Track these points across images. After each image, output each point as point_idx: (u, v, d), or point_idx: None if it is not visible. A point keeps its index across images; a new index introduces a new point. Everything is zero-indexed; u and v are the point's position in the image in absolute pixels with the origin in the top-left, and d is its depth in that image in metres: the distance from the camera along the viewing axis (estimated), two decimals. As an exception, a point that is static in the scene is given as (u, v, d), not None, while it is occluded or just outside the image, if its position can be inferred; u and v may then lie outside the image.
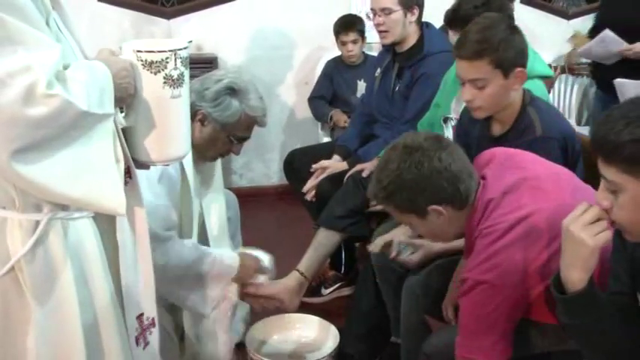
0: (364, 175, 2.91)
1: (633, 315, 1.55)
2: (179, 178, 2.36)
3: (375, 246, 2.48)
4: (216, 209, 2.61)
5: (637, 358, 1.60)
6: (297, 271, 2.77)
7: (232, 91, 2.37)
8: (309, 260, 2.81)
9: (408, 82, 3.16)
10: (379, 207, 2.80)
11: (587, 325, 1.56)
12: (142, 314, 1.81)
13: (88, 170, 1.47)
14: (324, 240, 2.86)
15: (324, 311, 3.09)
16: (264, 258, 2.57)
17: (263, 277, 2.53)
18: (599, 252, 1.50)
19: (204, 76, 2.40)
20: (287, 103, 4.69)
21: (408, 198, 1.82)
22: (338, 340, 2.73)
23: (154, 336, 1.87)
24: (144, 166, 1.73)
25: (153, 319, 1.85)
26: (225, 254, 2.46)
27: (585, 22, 5.15)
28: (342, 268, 3.35)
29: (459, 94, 2.72)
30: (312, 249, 2.84)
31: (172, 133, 1.69)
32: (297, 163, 3.42)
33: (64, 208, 1.52)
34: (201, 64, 4.27)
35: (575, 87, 4.76)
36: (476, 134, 2.37)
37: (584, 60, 4.57)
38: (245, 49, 4.54)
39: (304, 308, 3.15)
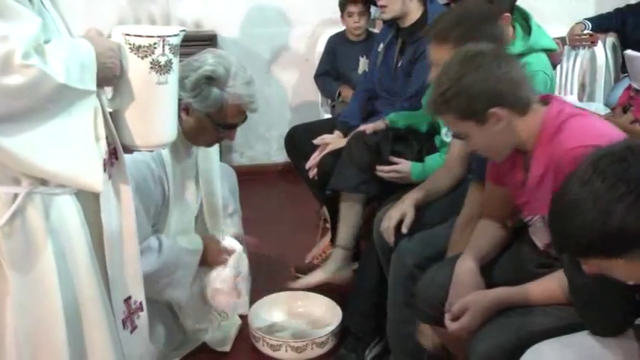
0: (367, 132, 2.88)
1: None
2: (162, 182, 2.35)
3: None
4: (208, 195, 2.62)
5: (621, 325, 1.63)
6: (337, 246, 2.87)
7: (210, 79, 2.29)
8: (342, 233, 2.90)
9: (410, 57, 3.13)
10: (386, 170, 2.78)
11: (586, 284, 1.56)
12: (129, 297, 1.81)
13: (66, 145, 1.47)
14: (347, 211, 2.90)
15: (327, 289, 3.07)
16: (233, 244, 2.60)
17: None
18: None
19: (187, 61, 2.31)
20: (288, 80, 4.65)
21: (467, 102, 1.80)
22: (340, 317, 2.72)
23: (142, 320, 1.86)
24: (128, 150, 1.73)
25: (140, 302, 1.85)
26: (187, 242, 2.48)
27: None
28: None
29: None
30: (341, 223, 2.91)
31: (156, 119, 1.69)
32: (298, 140, 3.39)
33: (43, 182, 1.52)
34: (200, 42, 4.22)
35: (578, 60, 4.72)
36: None
37: (585, 30, 4.52)
38: (245, 27, 4.48)
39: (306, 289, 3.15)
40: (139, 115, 1.65)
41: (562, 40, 4.52)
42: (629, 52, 3.90)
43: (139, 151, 1.76)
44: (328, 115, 3.97)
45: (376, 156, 2.79)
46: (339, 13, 4.03)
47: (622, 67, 4.60)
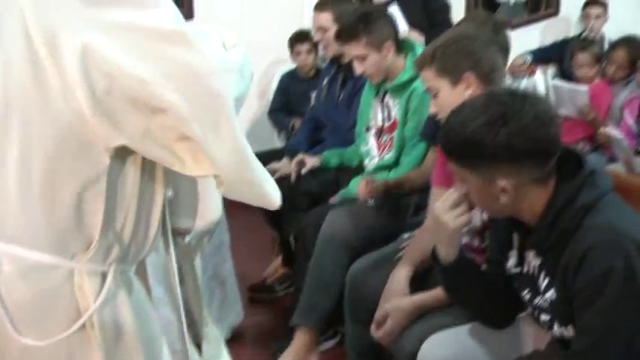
0: (303, 171, 3.20)
1: (500, 282, 1.79)
2: None
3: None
4: None
5: (505, 319, 1.85)
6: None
7: None
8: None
9: (350, 90, 3.40)
10: None
11: (458, 289, 1.81)
12: None
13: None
14: None
15: (275, 307, 3.30)
16: None
17: None
18: (459, 232, 1.74)
19: None
20: (245, 114, 4.87)
21: (453, 60, 2.08)
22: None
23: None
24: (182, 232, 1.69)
25: None
26: None
27: (528, 32, 5.47)
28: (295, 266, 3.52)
29: (374, 105, 3.00)
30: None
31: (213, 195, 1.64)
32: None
33: (122, 260, 1.36)
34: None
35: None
36: None
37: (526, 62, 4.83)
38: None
39: (258, 305, 3.36)
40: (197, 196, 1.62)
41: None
42: (555, 81, 4.21)
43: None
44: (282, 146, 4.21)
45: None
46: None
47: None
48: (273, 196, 1.38)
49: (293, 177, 3.21)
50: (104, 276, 1.32)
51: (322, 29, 3.37)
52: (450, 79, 2.11)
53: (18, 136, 1.21)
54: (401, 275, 2.23)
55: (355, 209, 2.76)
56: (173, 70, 1.19)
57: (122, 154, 1.26)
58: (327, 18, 3.37)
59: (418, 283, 2.23)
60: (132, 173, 1.30)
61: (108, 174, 1.25)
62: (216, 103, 1.21)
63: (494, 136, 1.51)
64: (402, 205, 2.75)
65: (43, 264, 1.27)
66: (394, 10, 3.59)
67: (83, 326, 1.30)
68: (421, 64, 2.18)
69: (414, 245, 2.32)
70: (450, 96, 2.09)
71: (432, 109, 2.21)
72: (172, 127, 1.22)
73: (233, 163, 1.27)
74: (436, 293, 2.10)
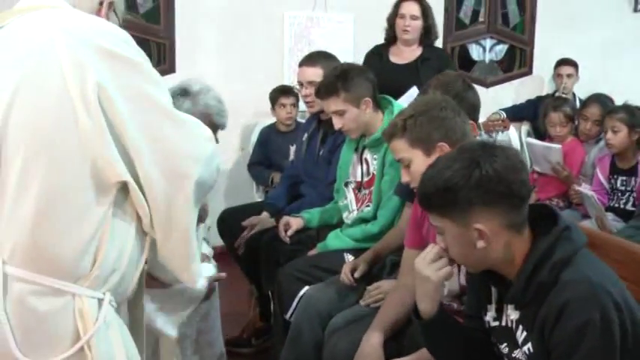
0: (289, 233, 3.19)
1: (480, 335, 1.80)
2: None
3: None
4: None
5: None
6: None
7: (184, 92, 2.50)
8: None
9: (330, 146, 3.44)
10: None
11: (439, 345, 1.83)
12: None
13: None
14: None
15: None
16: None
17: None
18: (441, 285, 1.76)
19: None
20: (224, 168, 4.91)
21: (426, 130, 2.12)
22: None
23: None
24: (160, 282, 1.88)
25: None
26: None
27: (503, 90, 5.59)
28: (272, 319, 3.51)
29: (354, 160, 3.06)
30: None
31: None
32: (230, 221, 3.63)
33: (114, 292, 1.50)
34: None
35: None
36: None
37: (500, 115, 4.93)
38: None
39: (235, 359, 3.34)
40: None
41: (478, 126, 4.93)
42: (528, 139, 4.29)
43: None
44: (260, 200, 4.24)
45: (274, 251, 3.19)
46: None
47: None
48: (193, 276, 1.61)
49: (287, 240, 3.21)
50: (100, 303, 1.45)
51: (312, 84, 3.39)
52: (423, 149, 2.14)
53: (42, 173, 1.38)
54: (374, 340, 2.23)
55: (336, 281, 2.74)
56: (159, 144, 1.45)
57: (125, 192, 1.48)
58: (317, 73, 3.40)
59: (390, 345, 2.24)
60: (130, 211, 1.50)
61: (114, 203, 1.45)
62: (179, 181, 1.48)
63: (468, 179, 1.57)
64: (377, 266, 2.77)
65: (50, 287, 1.39)
66: (414, 92, 3.67)
67: (81, 349, 1.42)
68: (391, 135, 2.21)
69: (385, 308, 2.33)
70: (423, 164, 2.05)
71: (404, 178, 2.23)
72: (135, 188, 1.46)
73: (177, 238, 1.52)
74: (416, 357, 2.09)
